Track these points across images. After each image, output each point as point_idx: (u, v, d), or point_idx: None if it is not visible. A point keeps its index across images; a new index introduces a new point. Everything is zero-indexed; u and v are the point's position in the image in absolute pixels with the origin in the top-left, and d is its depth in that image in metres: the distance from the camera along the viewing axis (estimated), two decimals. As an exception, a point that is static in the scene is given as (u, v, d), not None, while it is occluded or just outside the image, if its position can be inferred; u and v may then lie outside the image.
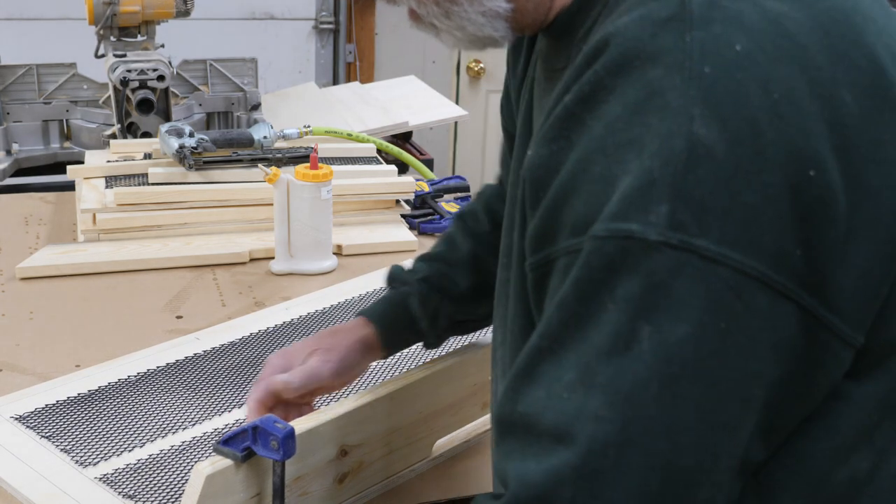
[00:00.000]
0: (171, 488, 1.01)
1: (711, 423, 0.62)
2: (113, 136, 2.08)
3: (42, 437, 1.10)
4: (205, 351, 1.32)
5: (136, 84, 2.00)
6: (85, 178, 1.84)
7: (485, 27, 0.79)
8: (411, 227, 1.84)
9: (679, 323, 0.61)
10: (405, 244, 1.76)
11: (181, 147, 1.77)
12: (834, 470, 0.69)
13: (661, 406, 0.62)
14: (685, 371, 0.61)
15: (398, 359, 1.29)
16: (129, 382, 1.23)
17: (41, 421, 1.13)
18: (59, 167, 2.18)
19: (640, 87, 0.63)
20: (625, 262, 0.62)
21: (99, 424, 1.13)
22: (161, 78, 2.02)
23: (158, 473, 1.04)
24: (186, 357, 1.30)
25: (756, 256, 0.61)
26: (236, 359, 1.30)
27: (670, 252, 0.61)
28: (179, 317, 1.47)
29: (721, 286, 0.61)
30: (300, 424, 0.91)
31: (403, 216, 1.87)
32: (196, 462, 1.04)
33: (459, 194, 2.00)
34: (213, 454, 0.88)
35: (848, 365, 0.67)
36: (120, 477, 1.03)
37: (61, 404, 1.17)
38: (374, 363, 1.27)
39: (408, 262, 1.12)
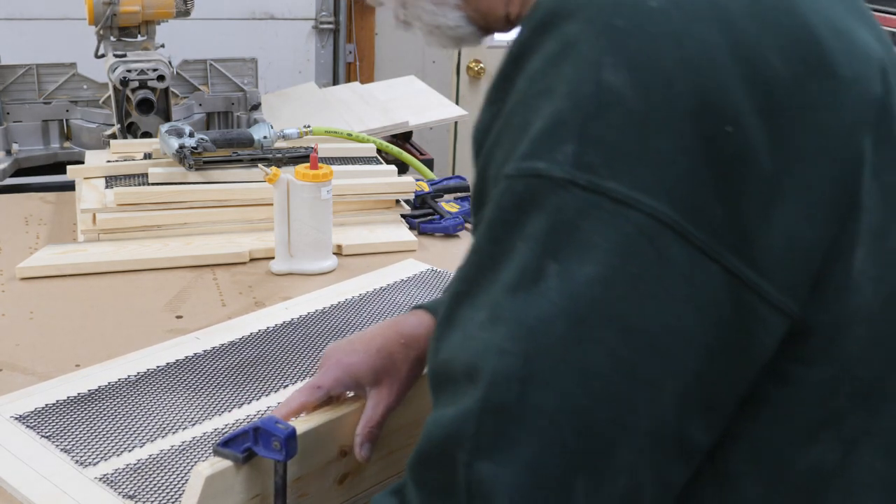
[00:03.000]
0: (171, 488, 1.01)
1: (627, 373, 0.61)
2: (113, 136, 2.08)
3: (42, 436, 1.10)
4: (205, 351, 1.32)
5: (136, 84, 2.00)
6: (85, 178, 1.84)
7: (437, 16, 0.83)
8: (411, 227, 1.84)
9: (587, 263, 0.61)
10: (405, 244, 1.76)
11: (181, 147, 1.77)
12: (793, 458, 0.69)
13: (567, 345, 0.61)
14: (593, 312, 0.61)
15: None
16: (129, 382, 1.23)
17: (41, 421, 1.13)
18: (59, 167, 2.17)
19: (558, 41, 0.65)
20: (533, 200, 0.63)
21: (99, 424, 1.13)
22: (161, 78, 2.02)
23: (158, 473, 1.04)
24: (186, 357, 1.30)
25: (669, 204, 0.61)
26: (236, 359, 1.30)
27: (578, 192, 0.61)
28: (179, 317, 1.47)
29: (632, 230, 0.61)
30: (300, 425, 0.91)
31: (403, 216, 1.87)
32: (196, 462, 1.04)
33: (459, 194, 2.00)
34: (212, 455, 0.88)
35: (780, 334, 0.65)
36: (120, 477, 1.03)
37: (61, 404, 1.17)
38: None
39: None
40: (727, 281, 0.62)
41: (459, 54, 3.74)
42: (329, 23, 3.55)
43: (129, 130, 2.07)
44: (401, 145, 2.31)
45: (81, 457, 1.06)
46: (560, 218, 0.62)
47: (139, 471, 1.04)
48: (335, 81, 3.59)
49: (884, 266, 0.68)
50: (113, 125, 2.09)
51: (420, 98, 2.50)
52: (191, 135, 1.80)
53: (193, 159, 1.77)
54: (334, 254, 1.68)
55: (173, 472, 1.04)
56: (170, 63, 2.09)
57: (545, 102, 0.64)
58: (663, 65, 0.62)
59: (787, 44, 0.65)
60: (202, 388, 1.22)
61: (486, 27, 0.84)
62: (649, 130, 0.61)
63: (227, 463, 0.86)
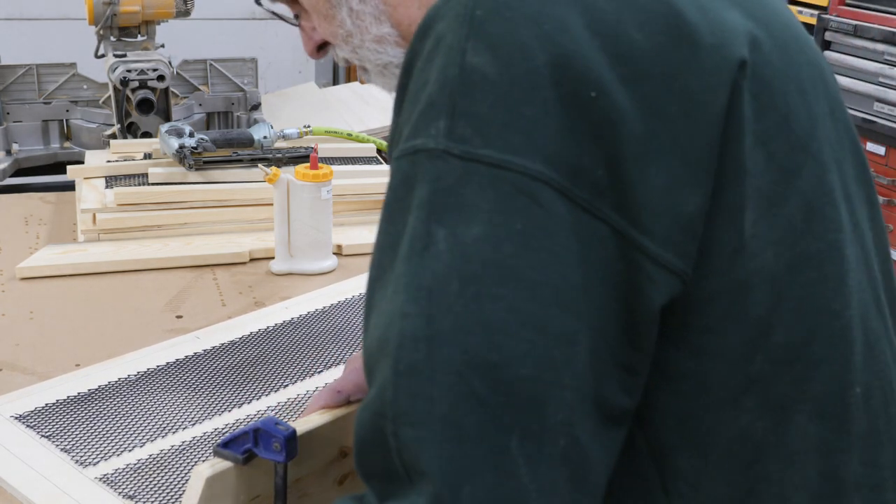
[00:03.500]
0: (171, 488, 1.01)
1: (537, 329, 0.63)
2: (113, 136, 2.08)
3: (42, 436, 1.10)
4: (205, 350, 1.32)
5: (136, 84, 2.00)
6: (85, 178, 1.84)
7: (382, 55, 0.89)
8: (411, 228, 1.83)
9: (472, 224, 0.64)
10: (405, 244, 1.76)
11: (181, 147, 1.77)
12: (719, 427, 0.70)
13: (466, 302, 0.63)
14: (487, 269, 0.63)
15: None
16: (129, 382, 1.23)
17: (41, 420, 1.13)
18: (59, 167, 2.18)
19: (432, 40, 0.69)
20: (416, 174, 0.66)
21: (99, 424, 1.13)
22: (161, 78, 2.02)
23: (158, 473, 1.04)
24: (186, 356, 1.30)
25: (543, 162, 0.64)
26: (236, 358, 1.30)
27: (455, 161, 0.65)
28: (179, 316, 1.47)
29: (509, 189, 0.64)
30: (300, 426, 0.91)
31: (403, 216, 1.87)
32: (196, 462, 1.04)
33: (459, 194, 2.00)
34: (212, 456, 0.88)
35: (669, 292, 0.67)
36: (120, 477, 1.03)
37: (61, 404, 1.17)
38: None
39: None
40: (614, 239, 0.65)
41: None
42: (329, 23, 3.55)
43: (129, 130, 2.07)
44: (401, 145, 2.31)
45: (81, 457, 1.07)
46: (440, 186, 0.65)
47: (139, 471, 1.04)
48: (335, 81, 3.59)
49: (783, 230, 0.70)
50: (113, 125, 2.09)
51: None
52: (191, 135, 1.80)
53: (193, 159, 1.77)
54: (334, 254, 1.68)
55: (173, 472, 1.04)
56: (170, 63, 2.09)
57: (423, 93, 0.68)
58: (522, 42, 0.66)
59: (648, 19, 0.68)
60: (202, 387, 1.22)
61: None
62: (515, 100, 0.65)
63: (227, 464, 0.86)
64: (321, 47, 0.96)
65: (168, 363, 1.28)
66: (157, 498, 1.00)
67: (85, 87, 2.26)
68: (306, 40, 0.96)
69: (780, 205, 0.71)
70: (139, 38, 2.13)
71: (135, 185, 1.78)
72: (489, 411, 0.62)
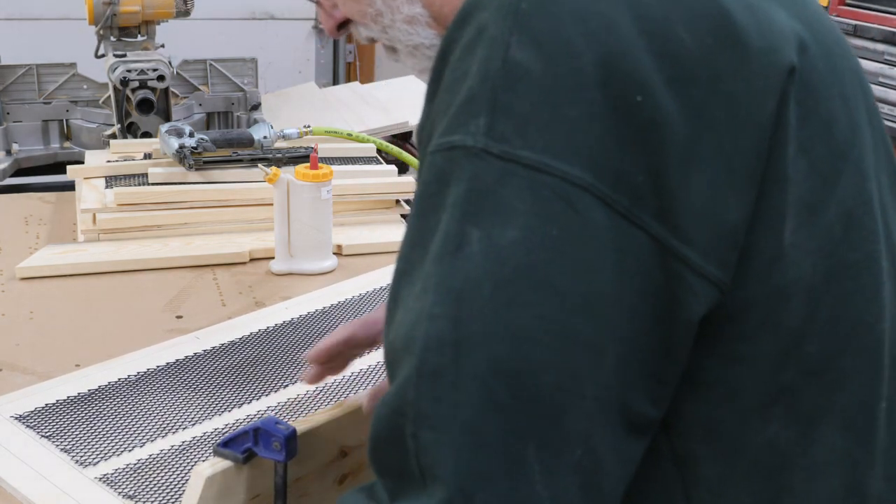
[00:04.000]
0: (171, 488, 1.01)
1: (564, 337, 0.62)
2: (113, 136, 2.08)
3: (42, 436, 1.10)
4: (205, 350, 1.32)
5: (136, 84, 2.00)
6: (85, 178, 1.84)
7: (412, 35, 0.86)
8: (411, 228, 1.83)
9: (507, 227, 0.62)
10: (405, 244, 1.76)
11: (181, 147, 1.77)
12: (747, 436, 0.69)
13: (496, 307, 0.61)
14: (519, 275, 0.62)
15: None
16: (129, 382, 1.23)
17: (41, 421, 1.13)
18: (59, 167, 2.17)
19: (473, 29, 0.67)
20: (452, 172, 0.65)
21: (99, 424, 1.13)
22: (161, 78, 2.02)
23: (158, 473, 1.04)
24: (186, 357, 1.30)
25: (582, 167, 0.62)
26: (236, 358, 1.30)
27: (494, 161, 0.63)
28: (179, 317, 1.47)
29: (548, 193, 0.62)
30: (300, 425, 0.91)
31: (403, 216, 1.87)
32: (196, 462, 1.04)
33: (459, 194, 2.00)
34: (212, 456, 0.88)
35: (708, 302, 0.66)
36: (120, 477, 1.03)
37: (61, 404, 1.17)
38: (374, 362, 1.27)
39: None
40: (653, 248, 0.63)
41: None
42: (329, 23, 3.55)
43: (129, 130, 2.07)
44: (401, 145, 2.31)
45: (81, 457, 1.06)
46: (477, 185, 0.63)
47: (139, 471, 1.04)
48: (335, 81, 3.59)
49: (822, 239, 0.69)
50: (113, 125, 2.09)
51: (420, 98, 2.49)
52: (191, 135, 1.80)
53: (193, 159, 1.77)
54: (334, 254, 1.68)
55: (173, 471, 1.04)
56: (170, 63, 2.09)
57: (462, 85, 0.66)
58: (568, 39, 0.64)
59: (695, 17, 0.66)
60: (202, 388, 1.22)
61: None
62: (558, 100, 0.63)
63: (227, 463, 0.86)
64: (342, 26, 0.93)
65: (168, 363, 1.28)
66: (157, 498, 1.00)
67: (85, 87, 2.26)
68: (325, 18, 0.94)
69: (820, 213, 0.69)
70: (139, 38, 2.13)
71: (135, 185, 1.78)
72: (510, 419, 0.61)
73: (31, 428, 1.12)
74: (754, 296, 0.67)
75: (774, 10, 0.71)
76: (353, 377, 1.24)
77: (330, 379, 1.23)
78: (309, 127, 1.98)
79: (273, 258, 1.64)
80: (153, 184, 1.78)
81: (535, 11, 0.65)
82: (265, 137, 1.88)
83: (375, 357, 1.29)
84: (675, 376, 0.67)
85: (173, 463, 1.06)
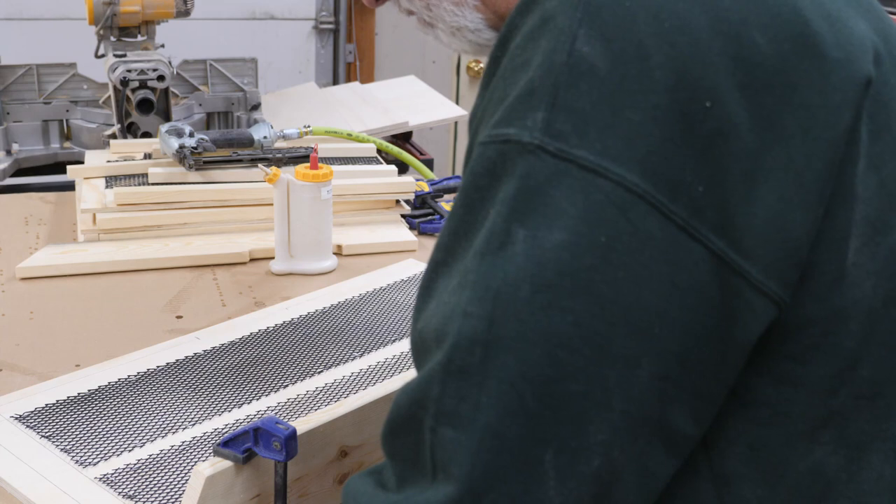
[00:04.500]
0: (171, 488, 1.01)
1: (598, 347, 0.60)
2: (113, 136, 2.08)
3: (42, 436, 1.10)
4: (205, 351, 1.32)
5: (136, 84, 2.00)
6: (85, 178, 1.84)
7: (458, 17, 0.83)
8: (411, 227, 1.84)
9: (555, 230, 0.60)
10: (405, 244, 1.76)
11: (181, 147, 1.77)
12: (791, 459, 0.67)
13: (532, 310, 0.60)
14: (562, 280, 0.60)
15: (398, 358, 1.29)
16: (129, 382, 1.23)
17: (41, 421, 1.13)
18: (59, 167, 2.18)
19: (537, 17, 0.65)
20: (504, 166, 0.62)
21: (99, 424, 1.13)
22: (161, 78, 2.02)
23: (158, 473, 1.04)
24: (186, 357, 1.30)
25: (641, 174, 0.60)
26: (236, 359, 1.30)
27: (548, 158, 0.61)
28: (179, 317, 1.47)
29: (601, 198, 0.60)
30: (301, 425, 0.91)
31: (403, 216, 1.87)
32: (196, 462, 1.04)
33: (459, 194, 2.00)
34: (213, 455, 0.88)
35: (766, 320, 0.64)
36: (120, 477, 1.03)
37: (61, 404, 1.17)
38: (373, 362, 1.27)
39: None
40: (711, 263, 0.61)
41: (459, 54, 3.74)
42: (329, 23, 3.56)
43: (129, 130, 2.07)
44: (401, 145, 2.31)
45: (81, 457, 1.06)
46: (529, 183, 0.61)
47: (139, 471, 1.04)
48: (335, 81, 3.59)
49: (884, 261, 0.67)
50: (113, 125, 2.09)
51: (420, 98, 2.51)
52: (191, 135, 1.80)
53: (193, 159, 1.77)
54: (334, 254, 1.68)
55: (173, 472, 1.04)
56: (170, 63, 2.09)
57: (522, 74, 0.64)
58: (639, 37, 0.61)
59: (773, 22, 0.64)
60: (202, 388, 1.22)
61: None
62: (622, 101, 0.61)
63: (227, 463, 0.86)
64: None
65: (168, 363, 1.28)
66: (157, 498, 1.00)
67: (85, 87, 2.26)
68: None
69: (885, 234, 0.67)
70: (139, 38, 2.13)
71: (135, 185, 1.78)
72: (532, 424, 0.60)
73: (31, 428, 1.12)
74: (812, 316, 0.65)
75: (854, 21, 0.68)
76: (353, 377, 1.24)
77: (330, 379, 1.23)
78: (309, 127, 1.99)
79: (273, 258, 1.64)
80: (153, 184, 1.78)
81: (607, 4, 0.62)
82: (265, 137, 1.88)
83: (376, 357, 1.29)
84: (722, 396, 0.65)
85: (173, 463, 1.06)
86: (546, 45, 0.63)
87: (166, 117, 2.07)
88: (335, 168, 1.65)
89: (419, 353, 0.66)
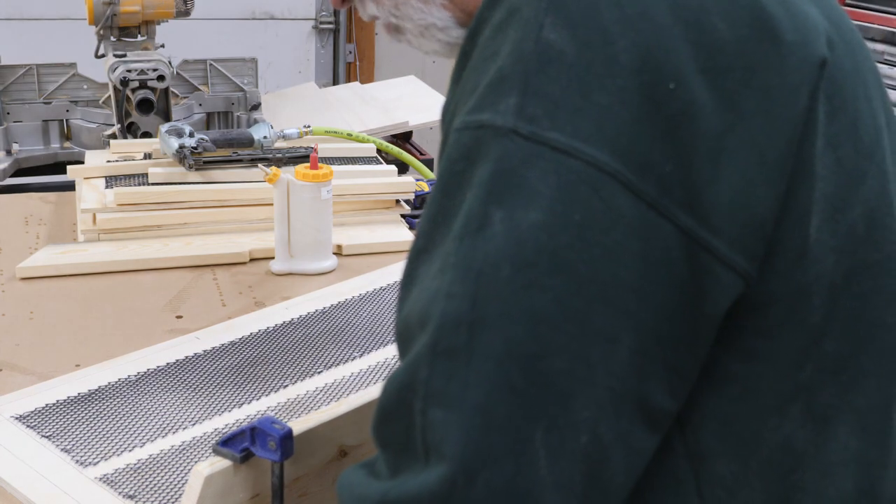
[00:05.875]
0: (171, 488, 1.01)
1: (579, 323, 0.62)
2: (113, 136, 2.08)
3: (42, 436, 1.10)
4: (205, 351, 1.32)
5: (136, 84, 2.00)
6: (85, 178, 1.84)
7: (426, 15, 0.84)
8: (411, 227, 1.84)
9: (531, 210, 0.62)
10: (405, 244, 1.76)
11: (181, 147, 1.77)
12: (762, 433, 0.69)
13: (514, 288, 0.61)
14: (540, 258, 0.62)
15: (398, 358, 1.29)
16: (129, 382, 1.23)
17: (41, 421, 1.13)
18: (59, 167, 2.18)
19: (504, 9, 0.67)
20: (479, 150, 0.64)
21: (99, 424, 1.13)
22: (161, 78, 2.02)
23: (158, 473, 1.04)
24: (186, 357, 1.30)
25: (611, 154, 0.62)
26: (236, 359, 1.30)
27: (521, 142, 0.63)
28: (179, 317, 1.47)
29: (573, 178, 0.62)
30: (298, 425, 0.91)
31: (403, 216, 1.87)
32: (196, 462, 1.04)
33: (459, 194, 1.99)
34: (212, 455, 0.88)
35: (734, 293, 0.66)
36: (120, 477, 1.03)
37: (61, 404, 1.17)
38: (373, 362, 1.27)
39: None
40: (680, 239, 0.63)
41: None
42: (329, 23, 3.56)
43: (129, 130, 2.07)
44: (401, 145, 2.31)
45: (81, 457, 1.07)
46: (504, 166, 0.63)
47: (139, 471, 1.04)
48: (335, 81, 3.60)
49: (845, 237, 0.69)
50: (113, 125, 2.09)
51: (420, 98, 2.51)
52: (191, 135, 1.80)
53: (193, 159, 1.77)
54: (334, 254, 1.68)
55: (173, 471, 1.04)
56: (170, 63, 2.09)
57: (491, 64, 0.66)
58: (603, 23, 0.64)
59: (731, 9, 0.66)
60: (202, 388, 1.22)
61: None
62: (590, 84, 0.63)
63: (226, 463, 0.86)
64: None
65: (168, 363, 1.28)
66: (157, 498, 1.00)
67: (85, 87, 2.26)
68: None
69: (844, 211, 0.69)
70: (139, 38, 2.13)
71: (135, 185, 1.78)
72: (521, 401, 0.61)
73: (31, 428, 1.12)
74: (777, 291, 0.67)
75: (806, 6, 0.71)
76: (352, 377, 1.24)
77: (330, 379, 1.23)
78: (309, 127, 1.99)
79: (273, 258, 1.64)
80: (153, 184, 1.78)
81: None
82: (265, 137, 1.88)
83: (376, 357, 1.29)
84: (696, 370, 0.67)
85: (173, 463, 1.06)
86: (514, 35, 0.65)
87: (166, 117, 2.07)
88: (335, 168, 1.65)
89: (404, 340, 0.67)
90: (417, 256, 0.68)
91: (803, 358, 0.69)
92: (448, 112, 0.71)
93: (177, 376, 1.25)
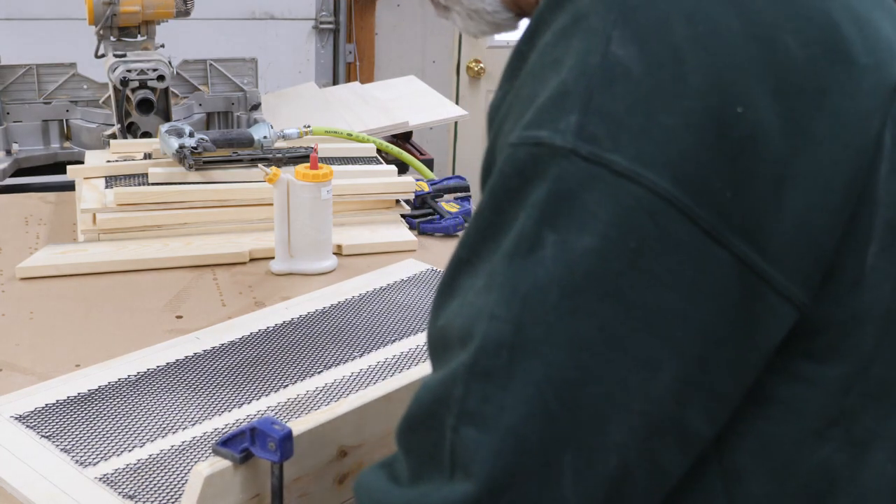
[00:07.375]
0: (171, 488, 1.01)
1: (622, 350, 0.60)
2: (113, 136, 2.08)
3: (42, 436, 1.10)
4: (205, 350, 1.32)
5: (136, 84, 2.00)
6: (85, 178, 1.84)
7: (476, 1, 0.82)
8: (411, 227, 1.84)
9: (585, 234, 0.60)
10: (405, 244, 1.76)
11: (181, 147, 1.77)
12: (801, 456, 0.68)
13: (560, 315, 0.60)
14: (589, 284, 0.60)
15: (398, 358, 1.29)
16: (129, 382, 1.23)
17: (41, 421, 1.13)
18: (59, 167, 2.18)
19: (569, 14, 0.65)
20: (535, 169, 0.62)
21: (99, 424, 1.13)
22: (161, 78, 2.02)
23: (158, 473, 1.04)
24: (186, 357, 1.30)
25: (672, 180, 0.60)
26: (236, 359, 1.30)
27: (580, 162, 0.61)
28: (179, 317, 1.47)
29: (631, 203, 0.60)
30: (298, 426, 0.91)
31: (403, 216, 1.87)
32: (196, 462, 1.04)
33: (459, 194, 2.00)
34: (212, 455, 0.88)
35: (788, 324, 0.64)
36: (120, 477, 1.03)
37: (61, 404, 1.17)
38: (373, 362, 1.27)
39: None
40: (736, 268, 0.61)
41: (459, 54, 3.74)
42: (329, 23, 3.56)
43: (129, 130, 2.07)
44: (401, 145, 2.31)
45: (81, 457, 1.07)
46: (560, 187, 0.61)
47: (139, 471, 1.04)
48: (335, 81, 3.59)
49: None
50: (113, 125, 2.09)
51: (420, 98, 2.51)
52: (191, 135, 1.80)
53: (193, 159, 1.77)
54: (334, 254, 1.68)
55: (173, 471, 1.04)
56: (170, 63, 2.09)
57: (553, 74, 0.63)
58: (673, 41, 0.61)
59: (804, 27, 0.64)
60: (202, 388, 1.22)
61: (521, 12, 0.84)
62: (655, 105, 0.61)
63: (226, 463, 0.86)
64: None
65: (168, 363, 1.28)
66: (157, 498, 1.00)
67: (85, 87, 2.26)
68: None
69: None
70: (139, 38, 2.13)
71: (135, 185, 1.78)
72: (554, 426, 0.60)
73: (31, 428, 1.12)
74: (831, 317, 0.66)
75: (882, 24, 0.68)
76: (353, 377, 1.24)
77: (330, 379, 1.23)
78: (309, 127, 1.99)
79: (273, 258, 1.64)
80: (153, 184, 1.78)
81: (642, 6, 0.62)
82: (265, 137, 1.89)
83: (376, 357, 1.29)
84: (739, 396, 0.66)
85: (173, 463, 1.06)
86: (579, 46, 0.63)
87: (166, 117, 2.07)
88: (335, 168, 1.65)
89: (439, 349, 0.66)
90: (459, 266, 0.67)
91: (850, 383, 0.67)
92: (498, 111, 0.69)
93: (177, 376, 1.25)
